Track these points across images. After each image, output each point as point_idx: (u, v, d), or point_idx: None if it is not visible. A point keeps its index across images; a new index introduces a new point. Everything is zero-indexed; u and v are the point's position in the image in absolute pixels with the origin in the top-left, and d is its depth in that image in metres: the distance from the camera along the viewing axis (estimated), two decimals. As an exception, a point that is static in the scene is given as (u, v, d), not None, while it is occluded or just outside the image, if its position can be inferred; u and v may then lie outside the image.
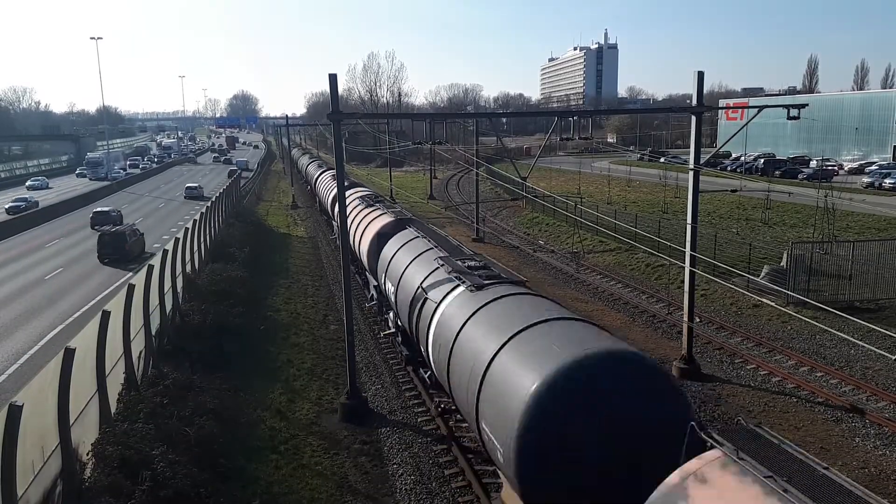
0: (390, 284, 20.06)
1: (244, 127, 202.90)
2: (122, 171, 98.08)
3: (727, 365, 21.34)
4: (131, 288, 15.86)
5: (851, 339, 16.27)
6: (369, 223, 26.41)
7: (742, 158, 78.23)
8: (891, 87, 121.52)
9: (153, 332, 18.19)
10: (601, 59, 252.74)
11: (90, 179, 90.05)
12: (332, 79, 16.94)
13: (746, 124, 23.03)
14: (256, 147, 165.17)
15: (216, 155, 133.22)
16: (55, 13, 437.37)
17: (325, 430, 16.99)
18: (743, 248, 31.44)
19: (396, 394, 19.17)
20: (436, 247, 19.05)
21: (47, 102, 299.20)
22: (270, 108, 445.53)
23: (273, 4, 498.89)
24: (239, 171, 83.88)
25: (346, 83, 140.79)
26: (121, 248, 35.12)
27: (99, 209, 49.41)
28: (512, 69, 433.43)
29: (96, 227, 42.58)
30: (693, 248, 19.72)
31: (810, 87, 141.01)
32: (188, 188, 68.94)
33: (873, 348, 13.55)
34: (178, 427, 14.25)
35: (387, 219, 25.36)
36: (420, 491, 14.25)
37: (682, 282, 21.23)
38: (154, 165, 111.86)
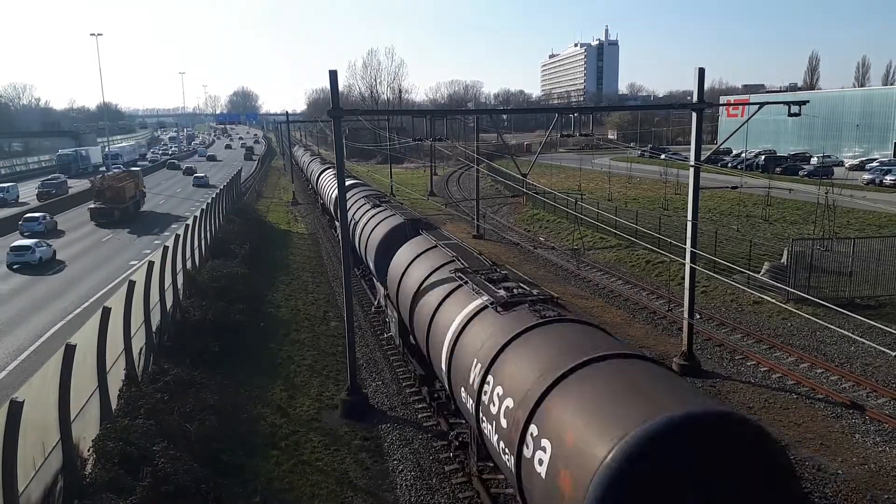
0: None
1: (244, 123, 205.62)
2: None
3: (727, 361, 21.35)
4: (132, 284, 15.85)
5: (852, 335, 16.28)
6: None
7: (743, 155, 78.00)
8: (892, 84, 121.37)
9: (154, 329, 18.21)
10: (602, 56, 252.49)
11: None
12: (333, 75, 16.92)
13: (747, 121, 22.96)
14: (255, 135, 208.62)
15: (228, 140, 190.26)
16: (55, 9, 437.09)
17: (325, 427, 17.01)
18: (743, 245, 31.45)
19: (397, 390, 19.19)
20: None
21: (47, 99, 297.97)
22: (271, 104, 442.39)
23: (273, 1, 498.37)
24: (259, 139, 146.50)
25: (347, 80, 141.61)
26: None
27: None
28: (512, 66, 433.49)
29: None
30: (693, 245, 19.72)
31: (811, 84, 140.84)
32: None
33: (873, 345, 13.57)
34: (179, 423, 14.28)
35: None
36: (420, 487, 14.28)
37: (683, 278, 21.22)
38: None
